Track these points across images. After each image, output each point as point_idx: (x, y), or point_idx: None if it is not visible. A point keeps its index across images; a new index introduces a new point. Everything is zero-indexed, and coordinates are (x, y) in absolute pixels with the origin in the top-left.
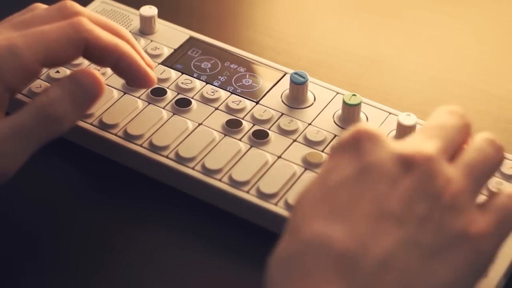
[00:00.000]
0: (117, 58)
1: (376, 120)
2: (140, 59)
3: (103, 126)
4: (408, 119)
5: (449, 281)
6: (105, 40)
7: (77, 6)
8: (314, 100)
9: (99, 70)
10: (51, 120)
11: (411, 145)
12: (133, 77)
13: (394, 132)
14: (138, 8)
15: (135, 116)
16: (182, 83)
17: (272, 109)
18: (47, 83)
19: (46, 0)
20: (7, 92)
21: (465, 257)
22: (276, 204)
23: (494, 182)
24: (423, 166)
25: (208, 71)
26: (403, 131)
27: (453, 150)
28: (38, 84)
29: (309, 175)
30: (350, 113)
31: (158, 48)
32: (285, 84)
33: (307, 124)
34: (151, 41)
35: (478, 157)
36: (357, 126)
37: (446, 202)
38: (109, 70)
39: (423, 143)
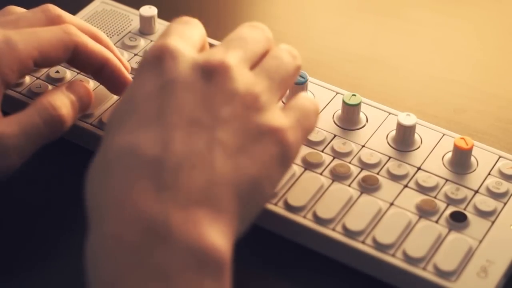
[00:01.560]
0: (101, 65)
1: (376, 120)
2: (123, 67)
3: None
4: (408, 119)
5: (256, 173)
6: (92, 47)
7: (59, 10)
8: None
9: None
10: (55, 120)
11: (211, 56)
12: (115, 84)
13: (394, 132)
14: (138, 8)
15: None
16: None
17: None
18: (47, 83)
19: (23, 2)
20: (2, 84)
21: (270, 150)
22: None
23: (494, 183)
24: (223, 72)
25: None
26: (403, 131)
27: (254, 60)
28: (38, 84)
29: (309, 175)
30: (350, 113)
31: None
32: None
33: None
34: (151, 41)
35: (275, 62)
36: (158, 42)
37: (247, 102)
38: None
39: (224, 53)
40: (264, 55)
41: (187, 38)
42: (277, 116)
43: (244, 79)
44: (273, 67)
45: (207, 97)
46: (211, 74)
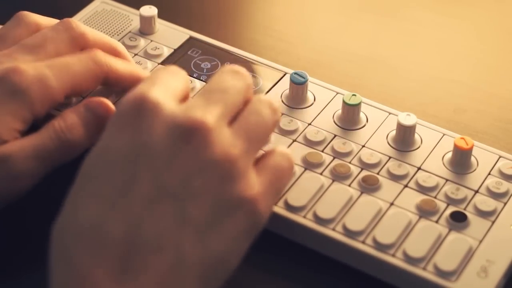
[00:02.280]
0: (131, 85)
1: (376, 120)
2: None
3: None
4: (408, 119)
5: (224, 250)
6: (122, 71)
7: (82, 27)
8: (314, 100)
9: None
10: (68, 144)
11: (190, 114)
12: None
13: (394, 132)
14: (138, 8)
15: None
16: None
17: None
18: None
19: (34, 2)
20: (32, 118)
21: (240, 223)
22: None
23: (494, 182)
24: (201, 135)
25: (208, 71)
26: (403, 131)
27: (234, 113)
28: None
29: (309, 175)
30: (350, 113)
31: (158, 48)
32: (285, 84)
33: (307, 124)
34: (151, 41)
35: (255, 120)
36: (138, 91)
37: (222, 171)
38: None
39: (204, 110)
40: (243, 106)
41: (170, 88)
42: (251, 184)
43: (223, 141)
44: (252, 124)
45: (181, 165)
46: (189, 136)
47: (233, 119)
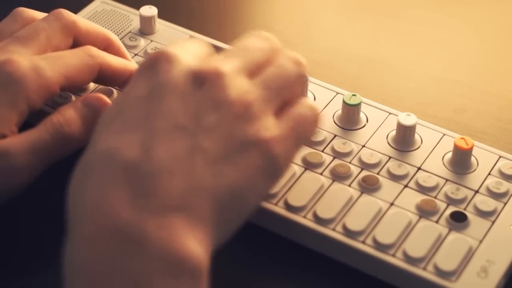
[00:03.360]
0: (126, 79)
1: (376, 120)
2: None
3: None
4: (408, 119)
5: (237, 182)
6: (115, 64)
7: (72, 15)
8: (314, 100)
9: None
10: (66, 138)
11: (206, 63)
12: None
13: (394, 132)
14: (138, 8)
15: None
16: None
17: None
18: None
19: (34, 2)
20: (28, 110)
21: (255, 160)
22: (277, 204)
23: (495, 183)
24: (215, 79)
25: None
26: (403, 131)
27: (253, 69)
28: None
29: (309, 175)
30: (350, 113)
31: (158, 48)
32: None
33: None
34: (151, 41)
35: (276, 71)
36: (159, 49)
37: (236, 111)
38: None
39: (220, 62)
40: (266, 65)
41: (189, 48)
42: (267, 126)
43: (237, 87)
44: (272, 76)
45: (195, 104)
46: (203, 80)
47: (254, 75)
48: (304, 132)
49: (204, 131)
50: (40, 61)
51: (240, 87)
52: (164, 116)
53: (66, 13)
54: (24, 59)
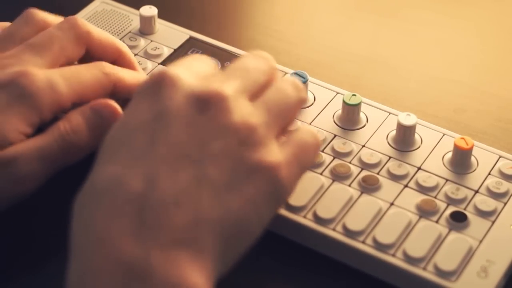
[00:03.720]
0: None
1: (376, 120)
2: None
3: None
4: (408, 119)
5: (243, 212)
6: (129, 81)
7: (86, 24)
8: (314, 100)
9: None
10: (72, 146)
11: (208, 86)
12: None
13: (394, 132)
14: (138, 8)
15: None
16: None
17: None
18: None
19: (35, 2)
20: (39, 123)
21: (261, 188)
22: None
23: (495, 182)
24: (218, 103)
25: None
26: (403, 131)
27: (254, 91)
28: None
29: (309, 175)
30: (350, 113)
31: (158, 48)
32: None
33: (307, 124)
34: (151, 41)
35: (277, 95)
36: (159, 70)
37: (241, 136)
38: None
39: (222, 83)
40: (266, 86)
41: (191, 68)
42: (272, 152)
43: (241, 110)
44: (273, 99)
45: (199, 130)
46: (207, 105)
47: (255, 97)
48: (306, 158)
49: (209, 158)
50: (55, 76)
51: (244, 109)
52: (168, 145)
53: (81, 22)
54: (40, 73)
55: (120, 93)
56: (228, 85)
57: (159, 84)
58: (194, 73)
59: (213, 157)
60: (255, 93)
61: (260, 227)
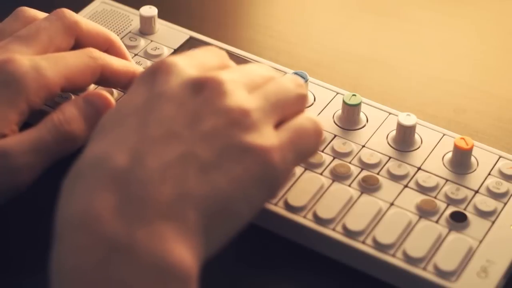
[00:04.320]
0: (128, 81)
1: (376, 120)
2: None
3: None
4: (408, 119)
5: (230, 191)
6: (117, 67)
7: (75, 15)
8: (314, 100)
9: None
10: (67, 137)
11: (206, 72)
12: None
13: (394, 132)
14: (138, 8)
15: None
16: None
17: None
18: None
19: (34, 2)
20: (28, 109)
21: (250, 169)
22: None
23: (495, 183)
24: (214, 86)
25: None
26: (403, 131)
27: (252, 85)
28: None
29: (309, 176)
30: (350, 113)
31: (158, 48)
32: None
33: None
34: (151, 41)
35: (275, 86)
36: (161, 59)
37: (234, 118)
38: None
39: (221, 72)
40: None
41: (195, 59)
42: (265, 135)
43: (237, 95)
44: (272, 90)
45: (191, 110)
46: (202, 87)
47: (254, 89)
48: (305, 145)
49: (199, 137)
50: (41, 61)
51: (240, 95)
52: (159, 124)
53: (68, 13)
54: (25, 58)
55: (109, 79)
56: (227, 73)
57: (156, 71)
58: (197, 63)
59: (203, 135)
60: (254, 87)
61: (249, 210)
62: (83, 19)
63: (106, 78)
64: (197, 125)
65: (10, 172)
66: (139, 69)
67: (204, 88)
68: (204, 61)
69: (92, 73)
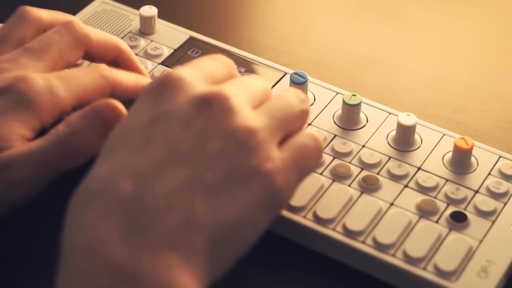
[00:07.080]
0: (137, 95)
1: (376, 120)
2: None
3: None
4: (408, 119)
5: (236, 216)
6: (127, 83)
7: (84, 27)
8: (314, 100)
9: None
10: (72, 151)
11: (212, 88)
12: None
13: (394, 132)
14: (138, 8)
15: None
16: None
17: None
18: None
19: (34, 2)
20: (40, 126)
21: (256, 193)
22: None
23: (495, 183)
24: (220, 103)
25: None
26: (403, 131)
27: (256, 102)
28: None
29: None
30: (350, 113)
31: (158, 48)
32: (285, 84)
33: (307, 124)
34: (151, 41)
35: (279, 103)
36: (166, 72)
37: (240, 139)
38: None
39: (226, 87)
40: (265, 100)
41: (202, 71)
42: (270, 158)
43: (242, 112)
44: (276, 107)
45: (198, 131)
46: (208, 105)
47: (258, 105)
48: (306, 164)
49: (205, 160)
50: (54, 80)
51: (246, 112)
52: (165, 145)
53: (78, 26)
54: (39, 77)
55: (119, 95)
56: (232, 88)
57: (162, 86)
58: (204, 75)
59: (210, 158)
60: (258, 103)
61: (254, 233)
62: (92, 30)
63: (117, 95)
64: (203, 146)
65: (10, 185)
66: (148, 81)
67: (210, 105)
68: (211, 72)
69: (103, 92)
